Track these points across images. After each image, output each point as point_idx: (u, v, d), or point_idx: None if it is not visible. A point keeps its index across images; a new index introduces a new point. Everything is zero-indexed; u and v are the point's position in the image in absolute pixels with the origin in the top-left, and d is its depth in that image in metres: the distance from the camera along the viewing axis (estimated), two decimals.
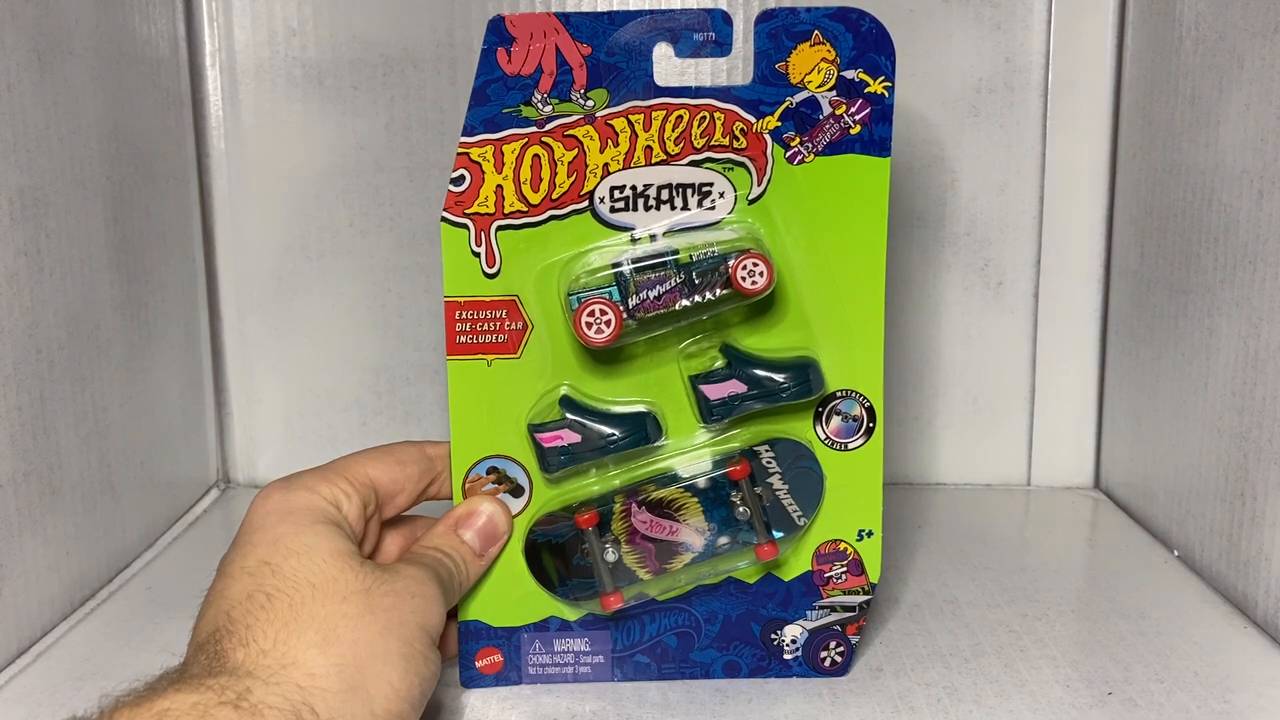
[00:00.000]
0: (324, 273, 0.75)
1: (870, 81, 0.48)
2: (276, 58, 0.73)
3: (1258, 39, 0.56)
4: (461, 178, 0.48)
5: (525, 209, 0.48)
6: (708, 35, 0.47)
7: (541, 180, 0.48)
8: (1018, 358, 0.76)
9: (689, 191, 0.48)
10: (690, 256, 0.47)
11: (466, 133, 0.48)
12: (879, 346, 0.49)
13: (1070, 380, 0.76)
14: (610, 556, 0.49)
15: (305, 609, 0.41)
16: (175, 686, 0.37)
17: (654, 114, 0.48)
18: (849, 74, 0.48)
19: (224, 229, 0.75)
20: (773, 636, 0.51)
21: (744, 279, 0.47)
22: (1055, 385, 0.76)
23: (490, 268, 0.48)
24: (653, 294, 0.47)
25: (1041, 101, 0.73)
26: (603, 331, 0.47)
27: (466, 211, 0.48)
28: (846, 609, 0.51)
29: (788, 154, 0.48)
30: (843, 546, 0.51)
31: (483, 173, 0.48)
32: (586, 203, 0.48)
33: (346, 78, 0.73)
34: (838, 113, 0.48)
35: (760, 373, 0.48)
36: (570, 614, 0.51)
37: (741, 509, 0.49)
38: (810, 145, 0.48)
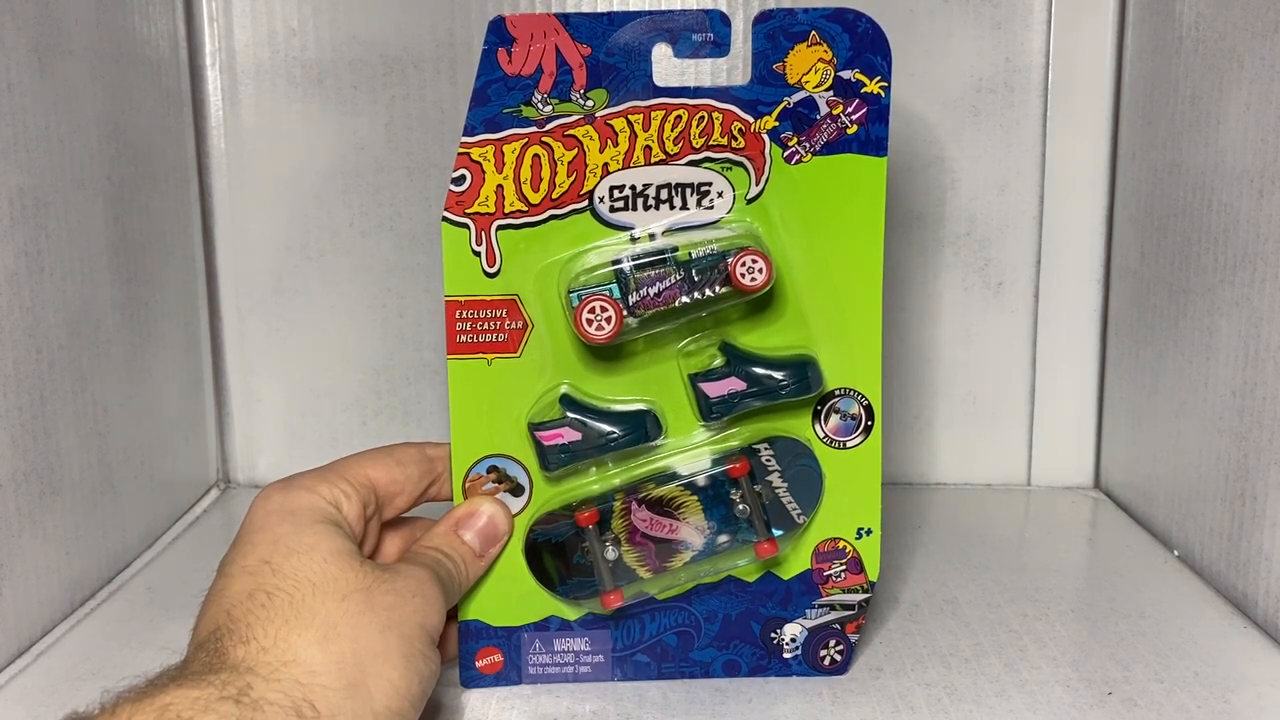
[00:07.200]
0: (324, 273, 0.75)
1: (867, 81, 0.48)
2: (276, 58, 0.73)
3: (1258, 39, 0.56)
4: (462, 177, 0.48)
5: (525, 208, 0.48)
6: (706, 36, 0.47)
7: (541, 180, 0.48)
8: (1018, 358, 0.76)
9: (688, 191, 0.48)
10: (689, 254, 0.47)
11: (467, 133, 0.48)
12: (877, 345, 0.49)
13: (1070, 380, 0.76)
14: (610, 555, 0.49)
15: (305, 607, 0.41)
16: (176, 682, 0.37)
17: (653, 114, 0.48)
18: (846, 74, 0.48)
19: (224, 229, 0.75)
20: (772, 635, 0.51)
21: (743, 275, 0.47)
22: (1055, 385, 0.76)
23: (490, 267, 0.48)
24: (653, 291, 0.47)
25: (1041, 101, 0.73)
26: (603, 328, 0.47)
27: (467, 211, 0.48)
28: (846, 607, 0.51)
29: (785, 154, 0.48)
30: (842, 545, 0.51)
31: (483, 172, 0.48)
32: (586, 202, 0.48)
33: (346, 78, 0.73)
34: (835, 113, 0.48)
35: (759, 370, 0.48)
36: (570, 613, 0.51)
37: (741, 507, 0.49)
38: (808, 145, 0.48)
